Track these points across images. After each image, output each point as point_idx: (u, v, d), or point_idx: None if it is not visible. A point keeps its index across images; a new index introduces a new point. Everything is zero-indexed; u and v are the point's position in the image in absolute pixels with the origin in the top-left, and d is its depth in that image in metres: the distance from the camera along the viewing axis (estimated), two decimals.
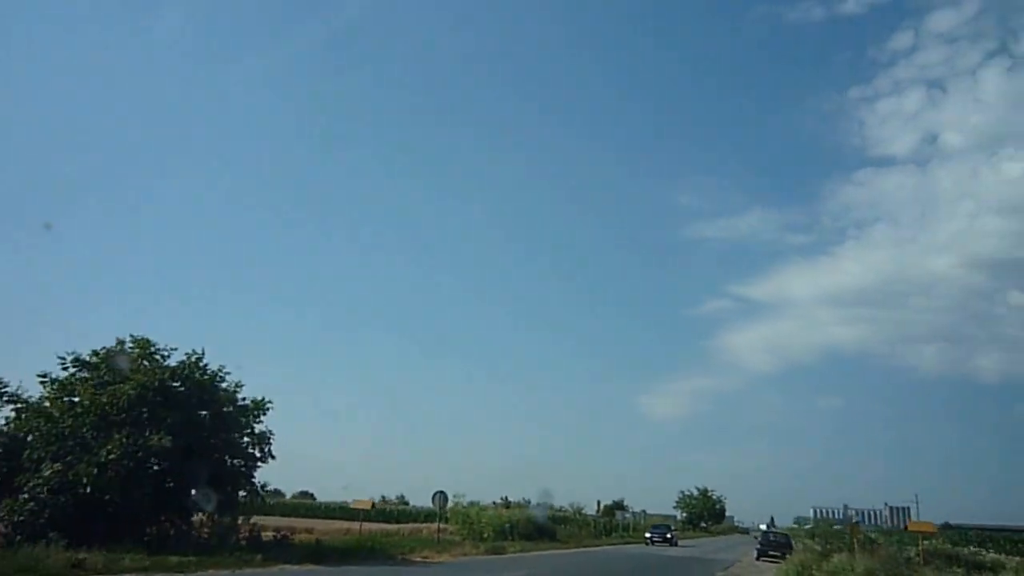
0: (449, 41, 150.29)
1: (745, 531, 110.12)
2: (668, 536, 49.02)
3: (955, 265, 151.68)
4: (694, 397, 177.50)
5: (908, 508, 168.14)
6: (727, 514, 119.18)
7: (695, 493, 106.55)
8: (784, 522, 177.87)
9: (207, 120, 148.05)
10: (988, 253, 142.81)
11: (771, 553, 36.51)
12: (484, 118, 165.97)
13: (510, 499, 78.11)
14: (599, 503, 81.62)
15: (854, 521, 27.01)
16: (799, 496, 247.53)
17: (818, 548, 29.27)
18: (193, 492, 21.05)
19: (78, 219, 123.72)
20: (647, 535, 50.29)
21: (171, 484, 20.35)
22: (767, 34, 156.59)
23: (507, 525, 37.02)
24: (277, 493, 71.63)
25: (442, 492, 29.94)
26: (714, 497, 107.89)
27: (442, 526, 41.43)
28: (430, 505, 37.37)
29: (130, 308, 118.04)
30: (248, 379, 23.29)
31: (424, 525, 47.63)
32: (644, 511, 67.59)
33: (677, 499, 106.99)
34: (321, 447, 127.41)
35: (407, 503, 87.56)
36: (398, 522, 59.04)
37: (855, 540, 27.31)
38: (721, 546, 55.18)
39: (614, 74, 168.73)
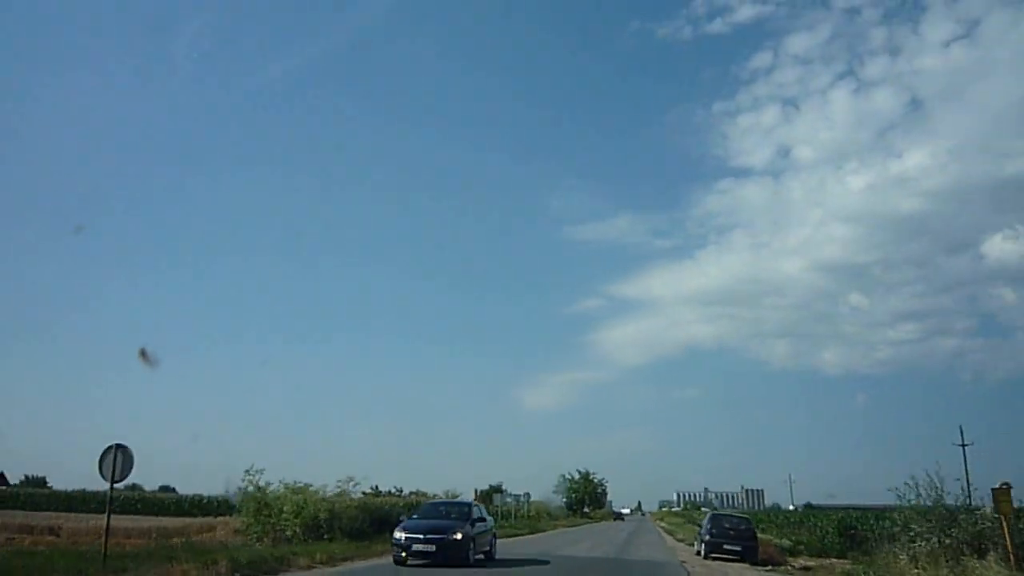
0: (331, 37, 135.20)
1: (619, 516, 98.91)
2: (458, 537, 16.93)
3: (803, 268, 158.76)
4: (569, 390, 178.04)
5: (762, 490, 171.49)
6: (608, 498, 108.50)
7: (576, 476, 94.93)
8: (650, 506, 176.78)
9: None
10: (832, 258, 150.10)
11: (727, 547, 23.28)
12: (358, 115, 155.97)
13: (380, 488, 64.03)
14: (476, 491, 67.73)
15: (1002, 484, 12.96)
16: (664, 481, 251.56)
17: (932, 538, 15.23)
18: None
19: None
20: (397, 537, 17.33)
21: None
22: (640, 48, 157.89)
23: (323, 516, 21.88)
24: None
25: (120, 445, 12.08)
26: (595, 480, 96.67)
27: (231, 519, 26.28)
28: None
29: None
30: None
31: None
32: (528, 494, 53.83)
33: (557, 483, 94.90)
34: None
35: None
36: (219, 515, 42.00)
37: (1007, 521, 13.34)
38: (614, 540, 36.69)
39: (492, 78, 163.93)
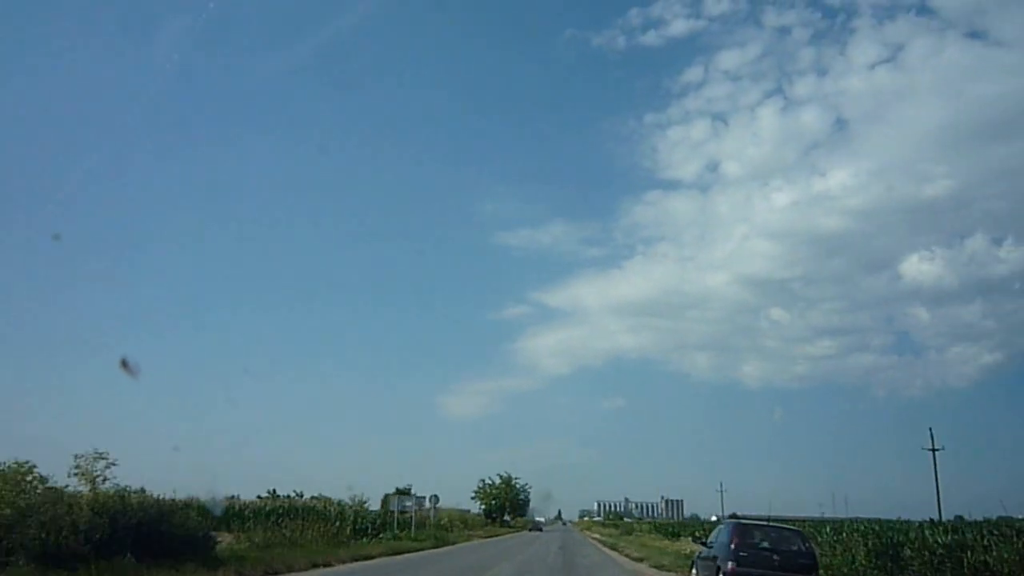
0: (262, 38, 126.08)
1: (537, 527, 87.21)
2: None
3: (727, 282, 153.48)
4: (492, 398, 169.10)
5: (682, 501, 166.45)
6: (530, 506, 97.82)
7: (497, 481, 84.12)
8: (569, 516, 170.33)
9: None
10: (755, 273, 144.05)
11: None
12: (286, 115, 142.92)
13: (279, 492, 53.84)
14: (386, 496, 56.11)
15: None
16: (584, 491, 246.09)
17: None
18: None
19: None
20: None
21: None
22: (574, 56, 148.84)
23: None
24: None
25: None
26: (518, 486, 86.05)
27: None
28: None
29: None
30: None
31: None
32: (436, 496, 42.46)
33: (476, 488, 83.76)
34: None
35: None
36: None
37: None
38: (547, 558, 27.35)
39: (425, 78, 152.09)
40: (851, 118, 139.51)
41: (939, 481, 49.87)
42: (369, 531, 36.34)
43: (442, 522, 51.80)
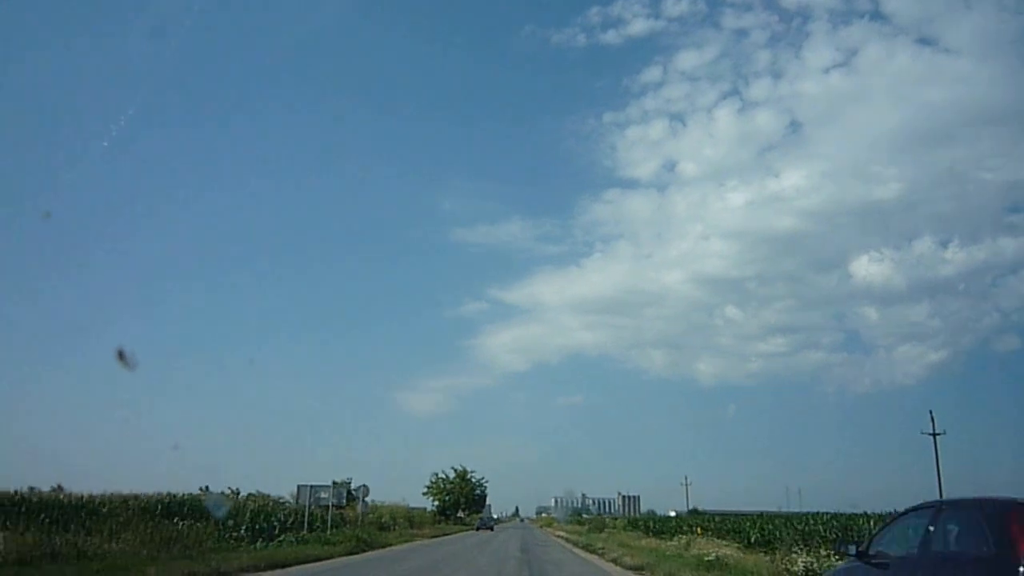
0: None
1: (487, 525, 76.68)
2: None
3: (683, 281, 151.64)
4: (450, 394, 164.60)
5: (638, 497, 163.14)
6: (487, 502, 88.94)
7: (451, 475, 75.49)
8: (527, 511, 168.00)
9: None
10: (710, 271, 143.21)
11: None
12: (241, 105, 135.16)
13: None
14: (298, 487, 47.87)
15: None
16: (541, 487, 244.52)
17: None
18: None
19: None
20: None
21: None
22: (533, 53, 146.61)
23: None
24: None
25: None
26: (474, 480, 77.46)
27: None
28: None
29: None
30: None
31: None
32: (365, 487, 33.62)
33: (429, 483, 74.86)
34: None
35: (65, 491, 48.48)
36: None
37: None
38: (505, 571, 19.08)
39: (384, 73, 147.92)
40: (805, 120, 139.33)
41: (938, 474, 45.32)
42: (277, 531, 27.87)
43: (381, 519, 43.08)
